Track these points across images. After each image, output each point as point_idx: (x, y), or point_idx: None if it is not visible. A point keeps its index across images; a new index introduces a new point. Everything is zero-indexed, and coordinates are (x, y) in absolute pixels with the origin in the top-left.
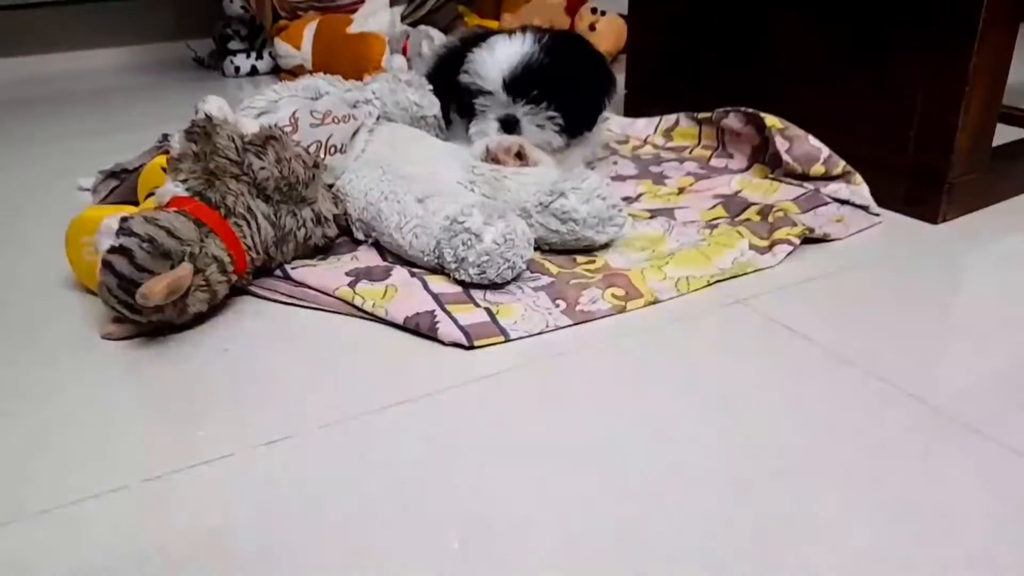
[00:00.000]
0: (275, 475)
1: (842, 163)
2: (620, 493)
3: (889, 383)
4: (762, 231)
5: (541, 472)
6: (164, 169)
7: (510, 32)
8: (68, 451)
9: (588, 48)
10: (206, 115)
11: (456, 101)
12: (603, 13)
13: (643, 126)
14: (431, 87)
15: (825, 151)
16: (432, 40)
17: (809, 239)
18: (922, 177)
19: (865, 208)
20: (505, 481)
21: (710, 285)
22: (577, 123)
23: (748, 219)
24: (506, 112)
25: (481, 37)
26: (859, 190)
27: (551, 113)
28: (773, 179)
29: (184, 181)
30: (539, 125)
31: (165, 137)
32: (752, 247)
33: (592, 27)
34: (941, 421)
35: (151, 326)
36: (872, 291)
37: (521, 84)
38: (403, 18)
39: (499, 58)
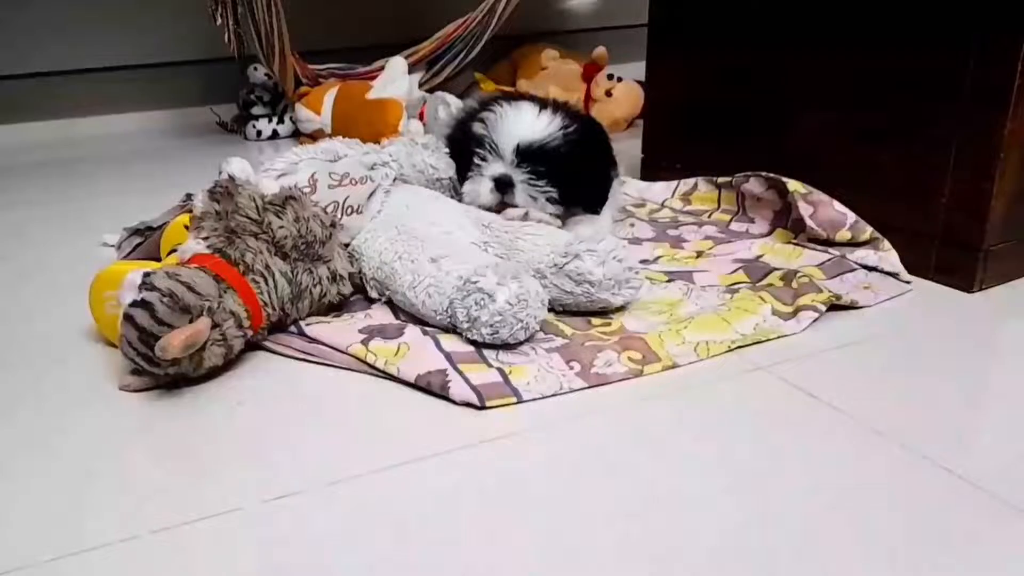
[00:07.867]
0: (282, 530)
1: (869, 229)
2: (634, 564)
3: (924, 457)
4: (786, 297)
5: (552, 539)
6: (187, 227)
7: (542, 101)
8: (82, 499)
9: (606, 146)
10: (229, 176)
11: (462, 150)
12: (620, 79)
13: (660, 190)
14: (447, 150)
15: (851, 217)
16: (448, 106)
17: (835, 306)
18: (955, 245)
19: (895, 275)
20: (515, 546)
21: (731, 351)
22: (572, 203)
23: (771, 284)
24: (503, 172)
25: (507, 98)
26: (888, 256)
27: (547, 190)
28: (796, 244)
29: (206, 239)
30: (532, 196)
31: (188, 197)
32: (775, 313)
33: (609, 93)
34: (984, 500)
35: (168, 379)
36: (904, 360)
37: (531, 159)
38: (420, 84)
39: (520, 126)
